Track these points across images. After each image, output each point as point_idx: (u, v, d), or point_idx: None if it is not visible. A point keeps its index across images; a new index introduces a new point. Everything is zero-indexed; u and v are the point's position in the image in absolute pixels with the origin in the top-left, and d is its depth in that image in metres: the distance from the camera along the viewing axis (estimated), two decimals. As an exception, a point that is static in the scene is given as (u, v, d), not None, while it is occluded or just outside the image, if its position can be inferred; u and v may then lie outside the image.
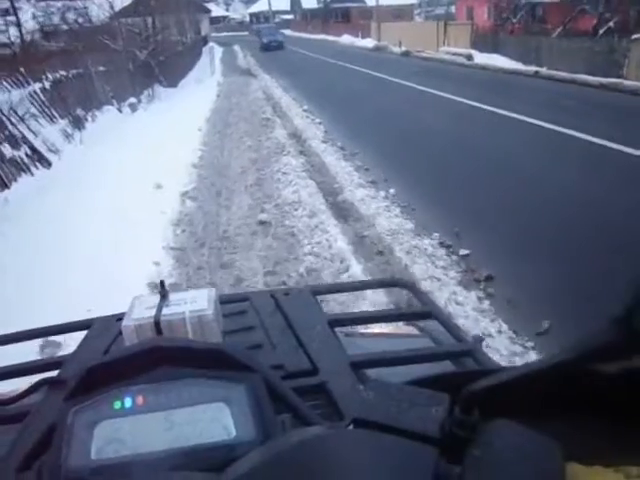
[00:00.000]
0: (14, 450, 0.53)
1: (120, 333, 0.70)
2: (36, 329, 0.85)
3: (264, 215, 4.95)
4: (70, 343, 0.93)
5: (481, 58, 18.38)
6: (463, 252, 4.00)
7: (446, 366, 0.73)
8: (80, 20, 15.86)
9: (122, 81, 12.13)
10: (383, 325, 1.15)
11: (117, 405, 0.49)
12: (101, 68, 10.78)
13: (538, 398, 0.40)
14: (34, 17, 15.95)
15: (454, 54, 19.57)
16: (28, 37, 14.23)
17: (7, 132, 6.37)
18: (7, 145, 6.19)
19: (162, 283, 0.72)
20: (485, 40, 20.79)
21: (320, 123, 9.37)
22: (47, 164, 6.79)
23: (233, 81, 16.48)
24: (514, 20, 21.65)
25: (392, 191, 5.47)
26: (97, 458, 0.47)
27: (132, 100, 11.16)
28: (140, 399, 0.50)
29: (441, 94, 11.35)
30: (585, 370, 0.37)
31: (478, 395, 0.37)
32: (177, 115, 10.01)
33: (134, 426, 0.48)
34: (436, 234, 4.33)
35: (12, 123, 6.56)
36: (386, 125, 8.76)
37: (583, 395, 0.40)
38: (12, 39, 13.48)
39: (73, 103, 8.83)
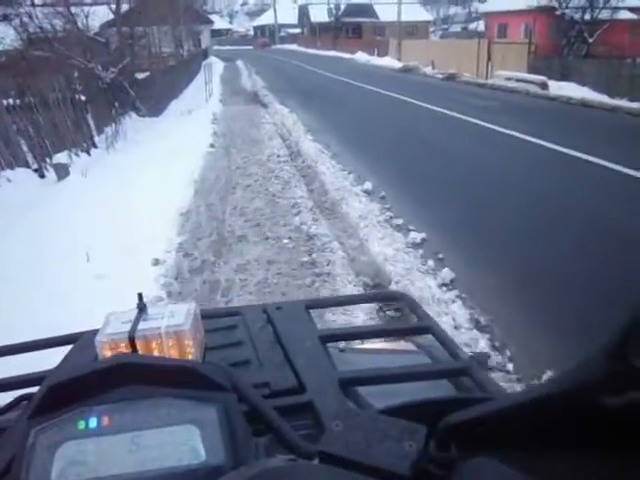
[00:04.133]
0: None
1: None
2: (22, 343, 0.82)
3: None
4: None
5: (556, 87, 14.14)
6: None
7: (441, 385, 0.70)
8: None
9: (71, 115, 7.76)
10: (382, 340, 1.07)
11: (81, 425, 0.47)
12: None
13: (522, 433, 0.38)
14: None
15: (520, 80, 15.27)
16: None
17: None
18: None
19: (140, 296, 0.68)
20: (549, 64, 16.57)
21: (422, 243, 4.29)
22: None
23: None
24: (590, 40, 17.36)
25: None
26: None
27: (60, 159, 6.49)
28: (106, 419, 0.47)
29: (565, 151, 6.95)
30: (574, 403, 0.34)
31: (456, 428, 0.35)
32: (136, 189, 5.51)
33: (98, 448, 0.46)
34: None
35: None
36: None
37: (570, 430, 0.37)
38: None
39: None
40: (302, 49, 47.59)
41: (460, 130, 9.02)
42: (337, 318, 2.89)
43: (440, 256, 4.03)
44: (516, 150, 7.41)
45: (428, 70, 22.73)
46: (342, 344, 0.91)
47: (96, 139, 8.75)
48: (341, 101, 13.28)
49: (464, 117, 9.98)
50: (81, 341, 0.77)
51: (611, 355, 0.30)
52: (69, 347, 0.77)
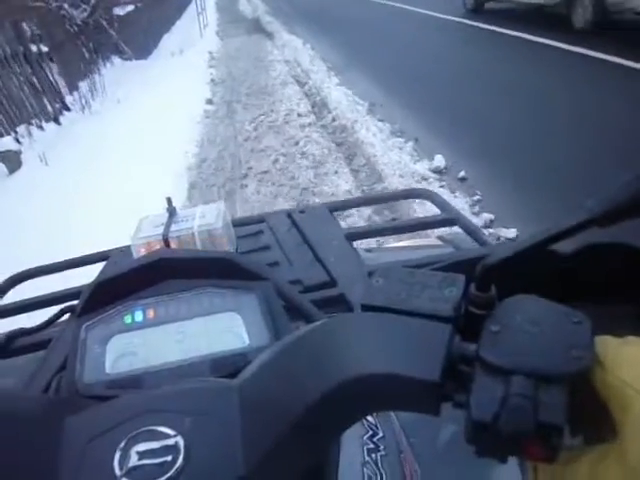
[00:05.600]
0: (39, 374, 0.54)
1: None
2: (55, 263, 0.86)
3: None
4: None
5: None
6: None
7: None
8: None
9: (27, 75, 6.05)
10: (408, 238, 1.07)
11: (128, 319, 0.49)
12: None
13: (564, 276, 0.39)
14: None
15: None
16: None
17: None
18: None
19: (169, 200, 0.70)
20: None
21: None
22: None
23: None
24: None
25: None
26: (111, 372, 0.46)
27: (8, 144, 4.63)
28: (151, 312, 0.49)
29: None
30: (608, 244, 0.37)
31: (494, 269, 0.34)
32: (110, 186, 3.88)
33: (146, 339, 0.48)
34: None
35: None
36: None
37: (611, 272, 0.39)
38: None
39: None
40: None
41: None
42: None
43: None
44: None
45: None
46: (368, 244, 0.93)
47: (68, 99, 7.05)
48: (365, 24, 11.09)
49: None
50: (112, 258, 0.81)
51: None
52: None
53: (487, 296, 0.34)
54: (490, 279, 0.34)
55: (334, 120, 4.99)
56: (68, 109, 6.91)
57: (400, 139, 4.37)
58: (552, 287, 0.37)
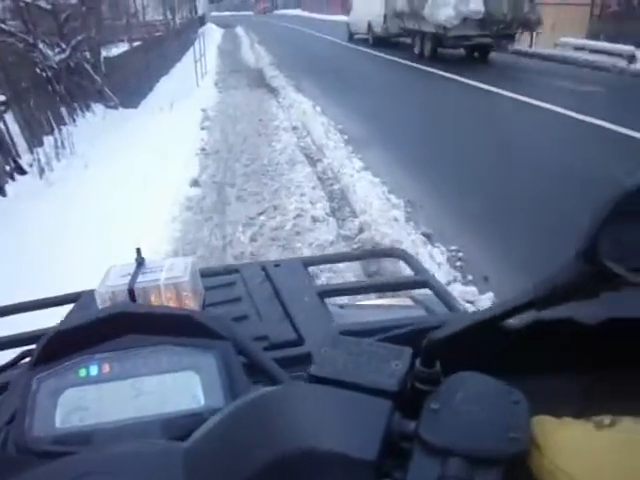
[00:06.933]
0: None
1: None
2: (24, 303, 0.83)
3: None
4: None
5: None
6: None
7: None
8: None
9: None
10: (379, 296, 1.07)
11: (82, 373, 0.48)
12: None
13: (505, 353, 0.39)
14: None
15: (596, 51, 12.02)
16: None
17: None
18: None
19: (138, 250, 0.68)
20: (619, 28, 13.22)
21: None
22: None
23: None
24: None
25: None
26: (61, 427, 0.45)
27: None
28: (106, 367, 0.48)
29: None
30: (552, 320, 0.38)
31: (439, 344, 0.36)
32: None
33: (100, 394, 0.47)
34: None
35: None
36: None
37: (550, 350, 0.40)
38: None
39: None
40: (307, 14, 43.43)
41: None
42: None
43: None
44: None
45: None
46: (340, 301, 0.91)
47: (26, 159, 5.74)
48: (375, 83, 10.07)
49: (581, 117, 6.70)
50: (82, 299, 0.78)
51: (583, 258, 0.31)
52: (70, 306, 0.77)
53: (432, 372, 0.36)
54: (435, 354, 0.36)
55: (361, 231, 3.65)
56: (23, 172, 5.58)
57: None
58: (498, 361, 0.38)
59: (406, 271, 0.96)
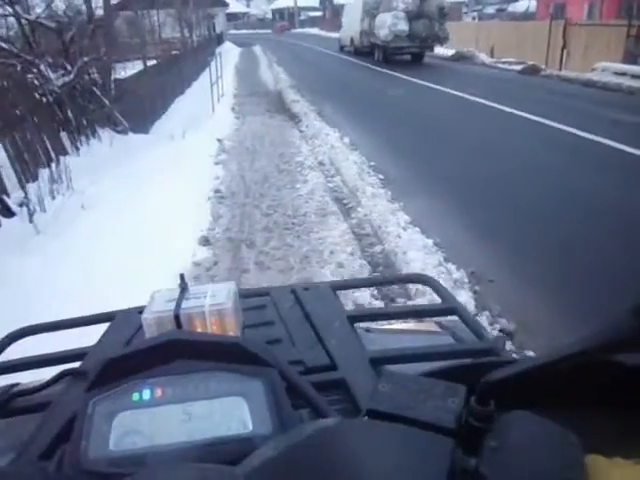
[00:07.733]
0: (36, 438, 0.53)
1: (141, 326, 0.68)
2: (59, 321, 0.84)
3: None
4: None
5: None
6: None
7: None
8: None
9: None
10: (404, 321, 1.05)
11: (136, 397, 0.49)
12: None
13: (556, 390, 0.41)
14: None
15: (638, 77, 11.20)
16: None
17: None
18: None
19: (182, 276, 0.71)
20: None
21: None
22: None
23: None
24: None
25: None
26: (115, 449, 0.46)
27: None
28: (158, 391, 0.49)
29: None
30: (602, 361, 0.37)
31: (494, 386, 0.36)
32: None
33: (152, 418, 0.48)
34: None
35: None
36: None
37: (601, 387, 0.41)
38: None
39: None
40: (324, 33, 43.06)
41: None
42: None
43: None
44: None
45: (485, 58, 18.70)
46: (368, 324, 0.92)
47: (15, 197, 5.01)
48: (406, 109, 9.33)
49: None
50: (117, 320, 0.80)
51: (637, 314, 0.31)
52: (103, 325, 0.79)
53: (487, 410, 0.36)
54: (490, 395, 0.36)
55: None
56: (12, 214, 4.84)
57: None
58: (548, 397, 0.40)
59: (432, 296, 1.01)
